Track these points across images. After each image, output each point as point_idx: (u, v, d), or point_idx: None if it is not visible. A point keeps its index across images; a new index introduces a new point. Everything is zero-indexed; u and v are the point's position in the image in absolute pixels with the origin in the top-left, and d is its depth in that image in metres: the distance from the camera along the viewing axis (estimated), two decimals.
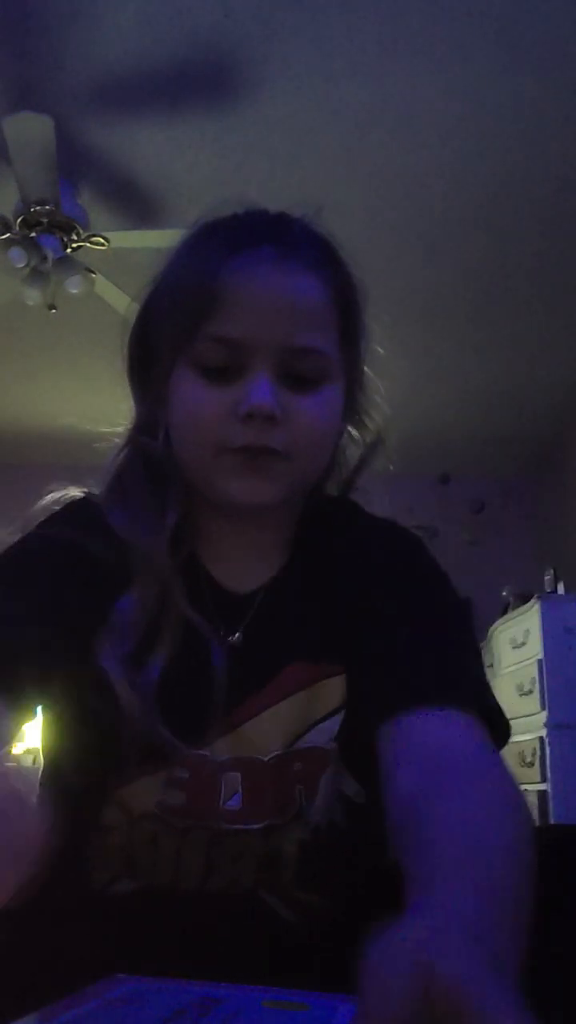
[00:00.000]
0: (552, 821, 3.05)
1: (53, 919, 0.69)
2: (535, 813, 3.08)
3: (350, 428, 0.83)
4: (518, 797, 0.59)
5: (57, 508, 0.81)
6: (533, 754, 3.18)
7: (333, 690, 0.75)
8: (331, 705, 0.75)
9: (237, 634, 0.76)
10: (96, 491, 0.81)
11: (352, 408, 0.82)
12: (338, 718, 0.75)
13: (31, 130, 2.40)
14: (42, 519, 0.79)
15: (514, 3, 2.20)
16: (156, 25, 2.28)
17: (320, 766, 0.74)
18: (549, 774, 3.10)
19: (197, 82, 2.46)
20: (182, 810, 0.72)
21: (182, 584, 0.75)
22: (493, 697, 0.71)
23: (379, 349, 0.84)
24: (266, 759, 0.73)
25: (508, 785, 0.60)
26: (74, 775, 0.75)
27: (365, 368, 0.83)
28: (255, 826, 0.72)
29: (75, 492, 0.83)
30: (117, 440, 0.83)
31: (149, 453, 0.80)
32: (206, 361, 0.73)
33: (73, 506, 0.81)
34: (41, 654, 0.68)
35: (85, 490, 0.82)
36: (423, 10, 2.22)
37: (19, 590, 0.72)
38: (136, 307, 0.83)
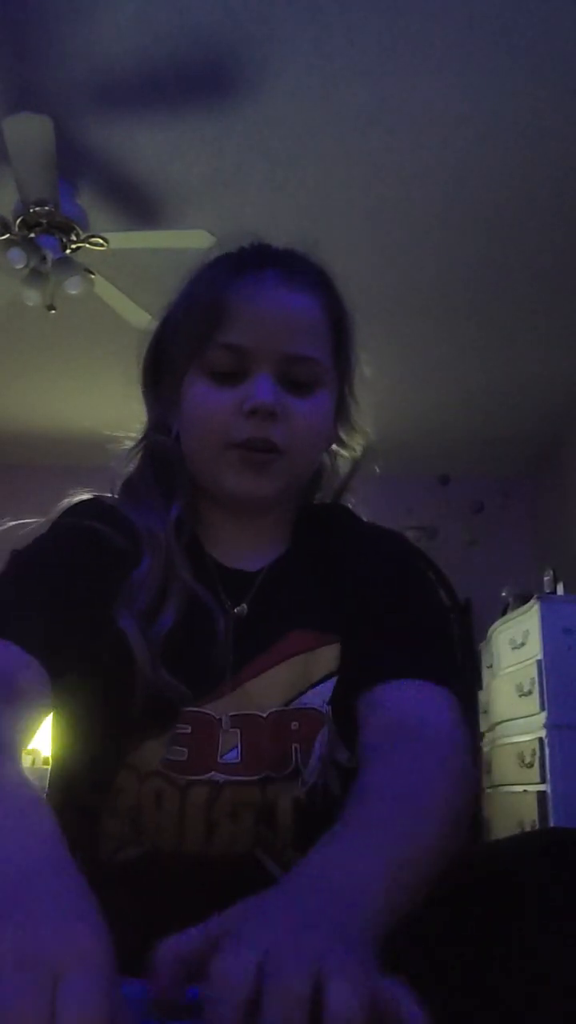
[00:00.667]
0: (551, 822, 3.05)
1: None
2: (534, 814, 3.08)
3: (341, 434, 0.94)
4: (459, 762, 0.69)
5: (72, 505, 0.90)
6: (532, 755, 3.18)
7: (329, 656, 0.84)
8: (327, 669, 0.83)
9: (243, 605, 0.85)
10: (106, 495, 0.91)
11: (343, 416, 0.93)
12: (332, 683, 0.83)
13: (30, 130, 2.40)
14: (57, 517, 0.88)
15: (514, 3, 2.20)
16: (156, 25, 2.28)
17: (315, 726, 0.81)
18: (548, 775, 3.10)
19: (197, 82, 2.46)
20: (183, 765, 0.78)
21: (187, 561, 0.84)
22: (462, 678, 0.81)
23: (367, 370, 0.95)
24: (264, 715, 0.81)
25: (458, 752, 0.70)
26: (90, 744, 0.81)
27: (355, 382, 0.94)
28: (252, 778, 0.78)
29: (87, 495, 0.91)
30: (128, 442, 0.94)
31: (159, 453, 0.90)
32: (215, 366, 0.84)
33: (87, 502, 0.89)
34: (70, 630, 0.77)
35: (97, 493, 0.91)
36: (423, 10, 2.22)
37: (48, 574, 0.80)
38: (152, 327, 0.94)
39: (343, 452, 0.95)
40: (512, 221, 3.03)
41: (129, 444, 0.94)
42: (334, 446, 0.94)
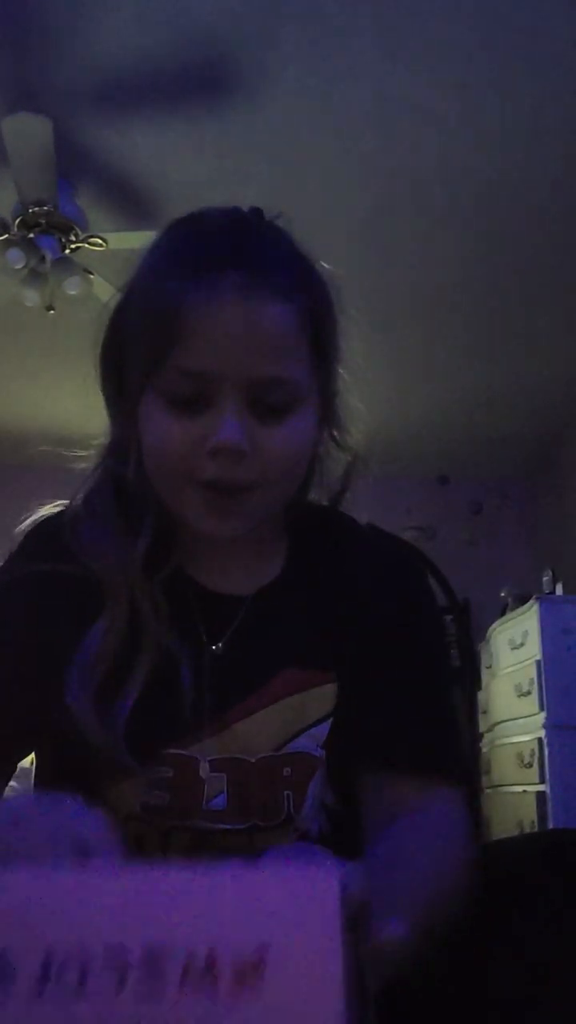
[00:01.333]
0: (551, 823, 3.05)
1: None
2: (534, 814, 3.08)
3: (334, 434, 0.83)
4: (463, 857, 0.67)
5: (27, 533, 0.83)
6: (531, 755, 3.18)
7: (324, 697, 0.77)
8: (322, 711, 0.77)
9: (220, 644, 0.78)
10: (70, 506, 0.82)
11: (330, 421, 0.82)
12: (327, 725, 0.77)
13: (30, 131, 2.40)
14: (13, 552, 0.81)
15: (514, 3, 2.20)
16: (155, 26, 2.28)
17: (309, 772, 0.75)
18: (547, 775, 3.10)
19: (196, 83, 2.46)
20: (165, 809, 0.73)
21: (162, 599, 0.76)
22: (466, 764, 0.77)
23: (359, 360, 0.85)
24: (253, 760, 0.74)
25: (461, 850, 0.68)
26: (64, 785, 0.74)
27: (341, 383, 0.83)
28: (239, 827, 0.73)
29: (50, 510, 0.84)
30: (91, 455, 0.84)
31: (120, 476, 0.79)
32: (173, 393, 0.72)
33: (42, 533, 0.82)
34: (17, 713, 0.73)
35: (60, 507, 0.84)
36: (423, 10, 2.22)
37: (9, 637, 0.77)
38: (107, 315, 0.82)
39: (336, 453, 0.84)
40: (512, 221, 3.03)
41: (87, 458, 0.84)
42: (332, 435, 0.84)
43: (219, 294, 0.71)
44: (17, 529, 0.83)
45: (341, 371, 0.83)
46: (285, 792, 0.74)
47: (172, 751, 0.73)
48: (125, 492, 0.79)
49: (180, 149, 2.71)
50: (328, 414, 0.81)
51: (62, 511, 0.82)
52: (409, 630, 0.80)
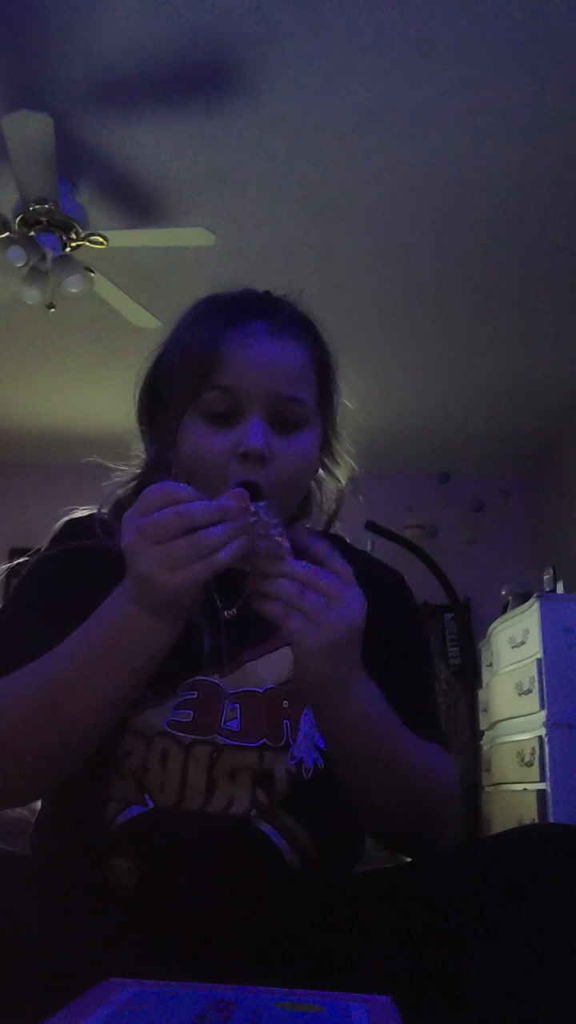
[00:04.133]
0: (551, 820, 3.05)
1: (63, 890, 0.77)
2: (534, 813, 3.08)
3: (327, 464, 1.01)
4: (453, 788, 0.90)
5: (57, 529, 0.97)
6: (532, 753, 3.18)
7: None
8: None
9: (233, 610, 0.89)
10: (102, 511, 0.97)
11: (327, 450, 1.01)
12: None
13: (30, 129, 2.40)
14: (44, 546, 0.96)
15: (514, 2, 2.20)
16: (155, 23, 2.28)
17: (301, 706, 0.88)
18: (548, 773, 3.10)
19: (196, 80, 2.46)
20: (188, 726, 0.85)
21: None
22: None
23: (349, 404, 1.02)
24: (261, 691, 0.88)
25: (452, 781, 0.90)
26: None
27: (337, 421, 1.01)
28: (252, 744, 0.85)
29: (79, 513, 0.99)
30: (123, 472, 1.01)
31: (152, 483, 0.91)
32: (210, 408, 0.89)
33: (71, 527, 0.96)
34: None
35: (92, 510, 0.98)
36: (423, 9, 2.22)
37: (41, 603, 0.90)
38: (146, 366, 1.00)
39: (328, 481, 1.03)
40: (512, 220, 3.02)
41: (124, 475, 1.00)
42: (321, 472, 1.01)
43: (251, 333, 0.91)
44: (54, 527, 0.97)
45: (337, 411, 1.01)
46: (284, 721, 0.87)
47: (198, 678, 0.87)
48: None
49: (181, 147, 2.71)
50: (325, 445, 0.99)
51: (92, 514, 0.97)
52: (402, 618, 0.99)
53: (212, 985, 0.48)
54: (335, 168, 2.79)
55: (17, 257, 2.85)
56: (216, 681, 0.87)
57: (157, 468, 0.95)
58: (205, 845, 0.80)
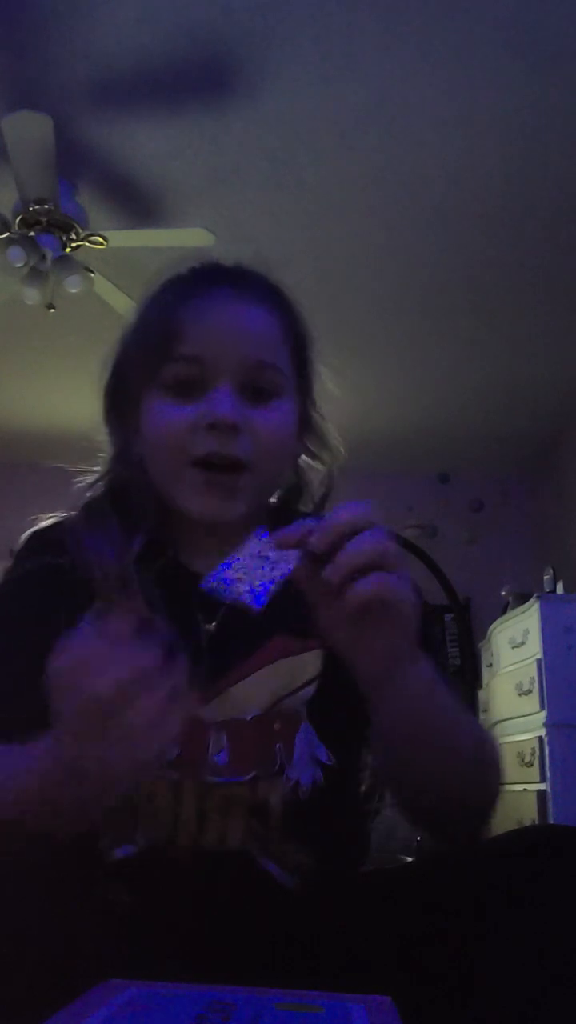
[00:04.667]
0: (551, 821, 3.05)
1: (63, 892, 0.72)
2: (534, 813, 3.08)
3: (311, 447, 0.93)
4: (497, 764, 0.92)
5: (24, 541, 0.89)
6: (532, 754, 3.18)
7: (312, 661, 0.84)
8: (310, 674, 0.84)
9: (213, 624, 0.84)
10: (69, 515, 0.90)
11: (309, 430, 0.92)
12: (314, 687, 0.84)
13: (30, 129, 2.40)
14: (12, 560, 0.88)
15: (514, 2, 2.20)
16: (155, 24, 2.28)
17: (295, 726, 0.82)
18: (548, 774, 3.10)
19: (196, 81, 2.46)
20: (175, 763, 0.78)
21: (156, 590, 0.78)
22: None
23: (331, 386, 0.93)
24: (248, 718, 0.81)
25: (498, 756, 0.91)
26: None
27: (318, 398, 0.93)
28: (242, 778, 0.79)
29: (47, 521, 0.91)
30: (90, 475, 0.93)
31: (121, 482, 0.89)
32: (173, 380, 0.82)
33: (39, 539, 0.88)
34: (18, 703, 0.75)
35: (63, 514, 0.90)
36: (423, 10, 2.22)
37: (10, 642, 0.82)
38: (110, 355, 0.92)
39: (315, 465, 0.94)
40: (512, 220, 3.02)
41: (91, 477, 0.92)
42: (304, 458, 0.93)
43: (213, 298, 0.84)
44: (18, 540, 0.90)
45: (315, 386, 0.92)
46: (276, 744, 0.81)
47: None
48: (124, 498, 0.88)
49: (180, 147, 2.71)
50: (306, 424, 0.91)
51: (60, 521, 0.89)
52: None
53: (212, 986, 0.48)
54: (335, 168, 2.79)
55: (17, 257, 2.85)
56: (198, 715, 0.79)
57: (121, 461, 0.90)
58: (201, 883, 0.77)
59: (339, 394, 0.94)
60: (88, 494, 0.91)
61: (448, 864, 0.75)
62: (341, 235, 3.08)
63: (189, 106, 2.55)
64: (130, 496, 0.88)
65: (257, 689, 0.82)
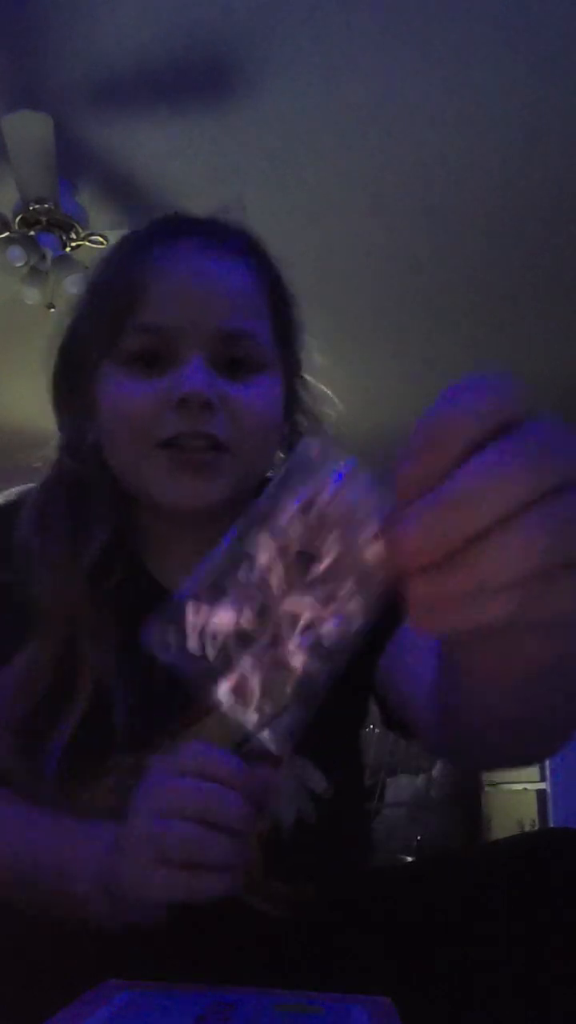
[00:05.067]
0: (551, 820, 3.05)
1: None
2: (534, 812, 3.09)
3: (298, 427, 0.79)
4: None
5: None
6: None
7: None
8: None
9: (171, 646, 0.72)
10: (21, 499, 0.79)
11: (297, 406, 0.79)
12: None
13: (30, 128, 2.40)
14: None
15: (514, 2, 2.20)
16: (155, 24, 2.28)
17: (275, 763, 0.70)
18: (548, 773, 3.10)
19: (196, 80, 2.46)
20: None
21: (105, 621, 0.70)
22: None
23: (318, 357, 0.81)
24: None
25: None
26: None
27: (304, 369, 0.80)
28: None
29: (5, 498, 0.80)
30: (37, 463, 0.80)
31: (73, 476, 0.76)
32: (133, 354, 0.70)
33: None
34: None
35: (13, 497, 0.80)
36: (423, 9, 2.22)
37: None
38: (62, 331, 0.79)
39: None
40: (512, 220, 3.02)
41: (39, 464, 0.80)
42: (298, 423, 0.80)
43: (177, 253, 0.71)
44: None
45: (302, 354, 0.80)
46: None
47: (128, 759, 0.70)
48: (77, 496, 0.75)
49: (180, 147, 2.71)
50: (292, 397, 0.78)
51: (12, 521, 0.76)
52: None
53: (211, 987, 0.48)
54: (335, 168, 2.79)
55: (17, 257, 2.85)
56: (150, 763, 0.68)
57: (73, 452, 0.76)
58: (185, 924, 0.70)
59: (326, 364, 0.82)
60: (36, 493, 0.77)
61: (448, 864, 0.74)
62: (341, 235, 3.07)
63: (189, 106, 2.55)
64: (85, 493, 0.75)
65: (215, 733, 0.71)
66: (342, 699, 0.65)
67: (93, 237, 2.90)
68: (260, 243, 0.78)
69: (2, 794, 0.68)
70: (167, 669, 0.68)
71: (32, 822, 0.66)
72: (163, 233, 0.74)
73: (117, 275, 0.72)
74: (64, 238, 2.87)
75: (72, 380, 0.77)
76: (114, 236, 2.89)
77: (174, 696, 0.67)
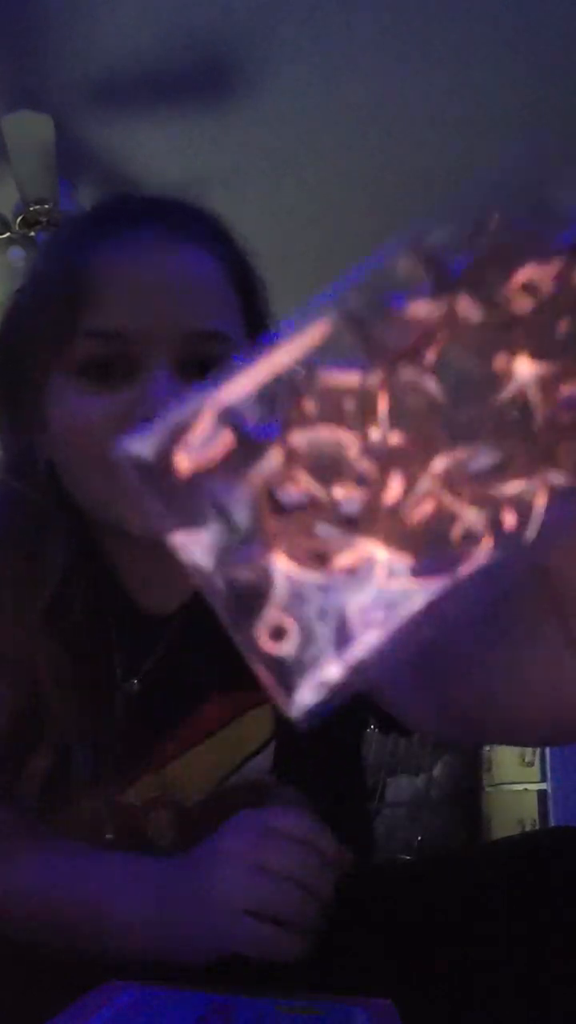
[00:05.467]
0: (552, 820, 3.05)
1: None
2: (535, 813, 3.08)
3: None
4: None
5: None
6: (533, 753, 3.18)
7: (261, 722, 0.68)
8: (262, 736, 0.68)
9: (134, 681, 0.67)
10: None
11: None
12: (270, 751, 0.69)
13: (30, 129, 2.40)
14: None
15: (515, 2, 2.20)
16: (155, 24, 2.28)
17: (255, 803, 0.65)
18: (549, 773, 3.10)
19: (196, 81, 2.46)
20: (114, 845, 0.66)
21: (66, 660, 0.65)
22: None
23: None
24: (189, 805, 0.67)
25: None
26: None
27: None
28: None
29: None
30: None
31: (23, 500, 0.67)
32: (87, 360, 0.61)
33: None
34: None
35: None
36: (423, 9, 2.22)
37: None
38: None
39: None
40: None
41: None
42: None
43: (134, 244, 0.62)
44: None
45: None
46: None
47: (97, 799, 0.66)
48: (30, 522, 0.67)
49: (180, 147, 2.71)
50: None
51: None
52: None
53: (213, 988, 0.49)
54: (335, 168, 2.79)
55: (17, 257, 2.85)
56: (131, 801, 0.66)
57: (19, 471, 0.67)
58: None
59: None
60: None
61: (448, 864, 0.74)
62: (341, 235, 3.07)
63: (189, 106, 2.55)
64: (38, 520, 0.66)
65: (196, 769, 0.67)
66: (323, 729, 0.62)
67: None
68: (223, 225, 0.68)
69: (29, 825, 0.66)
70: (141, 704, 0.65)
71: (61, 849, 0.63)
72: (115, 218, 0.65)
73: (64, 269, 0.62)
74: None
75: (15, 391, 0.66)
76: None
77: (148, 730, 0.66)
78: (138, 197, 0.69)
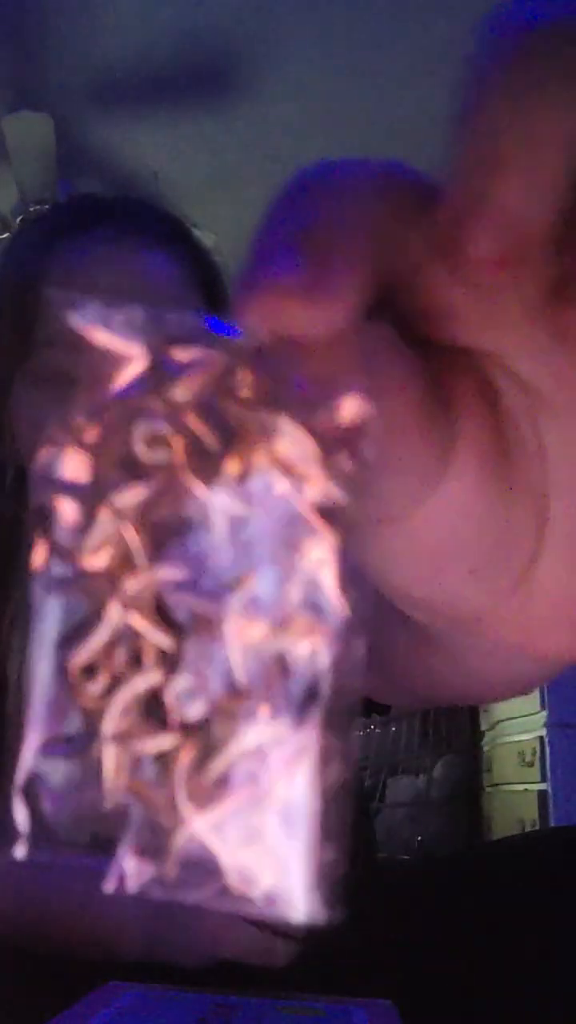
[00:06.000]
0: (552, 821, 3.05)
1: None
2: (535, 813, 3.08)
3: None
4: None
5: None
6: (533, 754, 3.18)
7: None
8: None
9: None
10: None
11: None
12: None
13: (30, 129, 2.40)
14: None
15: (514, 2, 2.20)
16: (156, 25, 2.28)
17: None
18: (549, 774, 3.10)
19: (197, 82, 2.46)
20: None
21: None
22: None
23: None
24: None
25: None
26: None
27: None
28: None
29: None
30: None
31: None
32: (46, 372, 0.58)
33: None
34: None
35: None
36: (423, 10, 2.22)
37: None
38: None
39: None
40: None
41: None
42: None
43: (87, 247, 0.60)
44: None
45: None
46: None
47: None
48: (1, 525, 0.64)
49: (181, 148, 2.71)
50: None
51: None
52: None
53: (213, 989, 0.48)
54: None
55: None
56: None
57: None
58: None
59: None
60: None
61: (451, 865, 0.74)
62: None
63: (189, 107, 2.55)
64: (5, 529, 0.63)
65: None
66: None
67: None
68: (183, 226, 0.66)
69: None
70: None
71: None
72: (71, 221, 0.63)
73: (18, 274, 0.61)
74: None
75: None
76: None
77: None
78: (94, 199, 0.68)
